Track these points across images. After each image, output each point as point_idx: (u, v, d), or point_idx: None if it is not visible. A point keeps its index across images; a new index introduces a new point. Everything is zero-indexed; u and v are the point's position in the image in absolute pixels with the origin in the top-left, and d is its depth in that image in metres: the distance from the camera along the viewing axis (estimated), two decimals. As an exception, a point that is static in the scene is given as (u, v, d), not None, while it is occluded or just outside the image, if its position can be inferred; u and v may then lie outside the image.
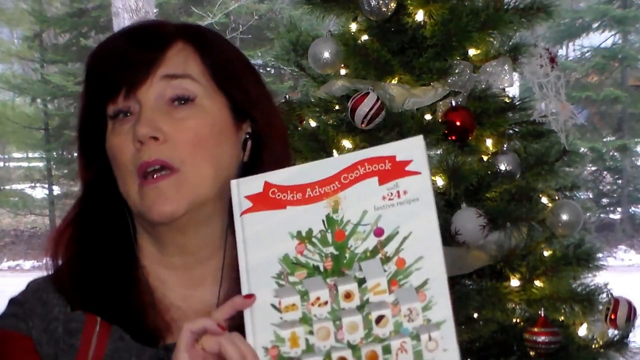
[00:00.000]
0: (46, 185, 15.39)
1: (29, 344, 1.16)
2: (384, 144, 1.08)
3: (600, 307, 2.87)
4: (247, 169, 1.19)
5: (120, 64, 1.17)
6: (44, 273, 1.25)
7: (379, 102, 2.73)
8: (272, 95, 1.29)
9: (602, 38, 15.01)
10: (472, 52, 2.97)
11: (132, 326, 1.17)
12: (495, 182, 2.84)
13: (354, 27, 3.01)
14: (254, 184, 1.09)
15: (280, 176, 1.09)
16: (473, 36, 2.85)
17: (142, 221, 1.21)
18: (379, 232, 1.04)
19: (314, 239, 1.05)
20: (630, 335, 2.93)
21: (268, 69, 14.09)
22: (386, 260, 1.03)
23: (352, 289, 1.03)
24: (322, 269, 1.04)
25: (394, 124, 2.77)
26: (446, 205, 2.80)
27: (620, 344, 2.92)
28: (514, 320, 2.88)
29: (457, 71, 2.85)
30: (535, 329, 2.72)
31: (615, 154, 14.70)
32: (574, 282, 2.95)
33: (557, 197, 2.99)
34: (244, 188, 1.09)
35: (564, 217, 2.83)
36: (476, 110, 2.87)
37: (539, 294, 2.81)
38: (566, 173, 3.08)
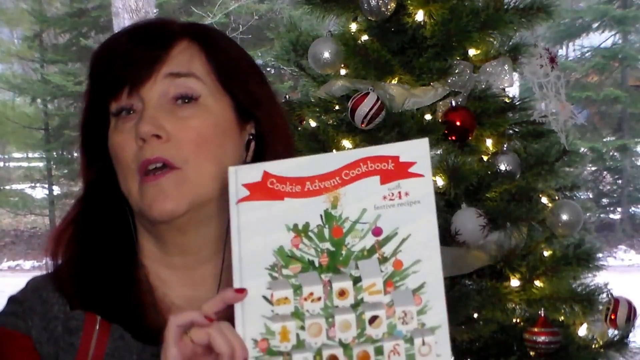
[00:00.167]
0: (46, 185, 15.39)
1: (29, 343, 1.16)
2: (388, 144, 1.07)
3: (600, 307, 2.87)
4: None
5: (124, 62, 1.16)
6: (44, 273, 1.24)
7: (379, 102, 2.73)
8: (277, 95, 1.29)
9: (602, 38, 15.03)
10: (472, 52, 2.97)
11: (132, 325, 1.16)
12: (495, 182, 2.84)
13: (354, 27, 3.01)
14: (252, 172, 1.07)
15: (280, 167, 1.07)
16: (473, 36, 2.85)
17: (143, 220, 1.20)
18: (377, 231, 1.03)
19: (310, 233, 1.04)
20: (630, 335, 2.93)
21: (268, 69, 14.08)
22: (383, 260, 1.02)
23: (346, 286, 1.02)
24: (317, 264, 1.03)
25: (394, 124, 2.77)
26: (446, 205, 2.80)
27: (620, 344, 2.92)
28: (514, 320, 2.88)
29: (457, 71, 2.85)
30: (535, 329, 2.72)
31: (615, 154, 14.71)
32: (574, 282, 2.95)
33: (557, 197, 2.99)
34: (241, 175, 1.07)
35: (564, 217, 2.83)
36: (476, 110, 2.87)
37: (539, 294, 2.80)
38: (566, 173, 3.08)
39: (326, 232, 1.04)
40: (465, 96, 2.87)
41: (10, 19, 16.06)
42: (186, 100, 1.16)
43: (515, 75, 3.12)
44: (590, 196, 14.29)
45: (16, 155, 18.98)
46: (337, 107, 2.97)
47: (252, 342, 1.01)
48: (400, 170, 1.05)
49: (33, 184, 16.23)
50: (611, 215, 14.85)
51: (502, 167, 2.83)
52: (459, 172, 2.73)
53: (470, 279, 2.88)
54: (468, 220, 2.68)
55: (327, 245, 1.03)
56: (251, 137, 1.23)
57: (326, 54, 2.94)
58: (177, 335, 1.00)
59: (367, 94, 2.75)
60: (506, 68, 2.95)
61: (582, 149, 11.05)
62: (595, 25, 14.77)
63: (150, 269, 1.21)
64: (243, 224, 1.05)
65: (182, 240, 1.19)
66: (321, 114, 3.02)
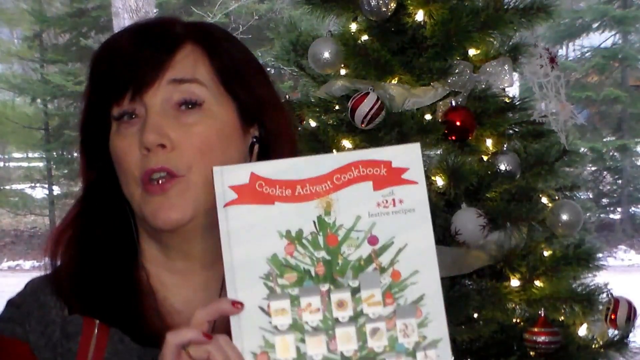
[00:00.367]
0: (46, 185, 15.38)
1: (26, 350, 1.14)
2: (379, 148, 1.05)
3: (600, 307, 2.87)
4: None
5: (127, 65, 1.14)
6: (43, 274, 1.23)
7: (379, 102, 2.73)
8: (281, 96, 1.27)
9: (602, 38, 15.02)
10: (472, 52, 2.97)
11: (132, 329, 1.14)
12: (495, 182, 2.84)
13: (354, 27, 3.01)
14: (239, 173, 1.03)
15: (268, 168, 1.03)
16: (473, 36, 2.85)
17: (145, 224, 1.18)
18: (373, 240, 1.01)
19: (304, 241, 1.01)
20: (630, 335, 2.93)
21: (268, 69, 14.06)
22: (381, 271, 1.01)
23: (345, 298, 1.00)
24: (313, 273, 1.00)
25: (394, 124, 2.76)
26: (446, 205, 2.80)
27: (620, 344, 2.92)
28: (514, 320, 2.88)
29: (457, 71, 2.85)
30: (535, 329, 2.72)
31: (615, 154, 14.70)
32: (574, 282, 2.95)
33: (557, 197, 2.99)
34: (228, 177, 1.03)
35: (564, 217, 2.83)
36: (476, 110, 2.87)
37: (539, 294, 2.80)
38: (566, 173, 3.08)
39: (321, 239, 1.01)
40: (465, 96, 2.87)
41: (10, 19, 16.05)
42: (190, 106, 1.14)
43: (515, 75, 3.12)
44: (590, 196, 14.27)
45: (16, 155, 18.97)
46: (337, 107, 2.97)
47: (252, 356, 0.99)
48: (393, 176, 1.03)
49: (33, 184, 16.22)
50: (611, 215, 14.85)
51: (502, 167, 2.83)
52: (459, 172, 2.73)
53: (470, 279, 2.88)
54: (468, 220, 2.68)
55: (323, 253, 1.01)
56: (255, 140, 1.21)
57: (326, 54, 2.94)
58: (175, 354, 0.99)
59: (367, 94, 2.75)
60: (506, 68, 2.95)
61: (582, 149, 11.03)
62: (595, 25, 14.77)
63: (151, 272, 1.20)
64: (233, 228, 1.02)
65: (186, 246, 1.18)
66: (321, 114, 3.02)
